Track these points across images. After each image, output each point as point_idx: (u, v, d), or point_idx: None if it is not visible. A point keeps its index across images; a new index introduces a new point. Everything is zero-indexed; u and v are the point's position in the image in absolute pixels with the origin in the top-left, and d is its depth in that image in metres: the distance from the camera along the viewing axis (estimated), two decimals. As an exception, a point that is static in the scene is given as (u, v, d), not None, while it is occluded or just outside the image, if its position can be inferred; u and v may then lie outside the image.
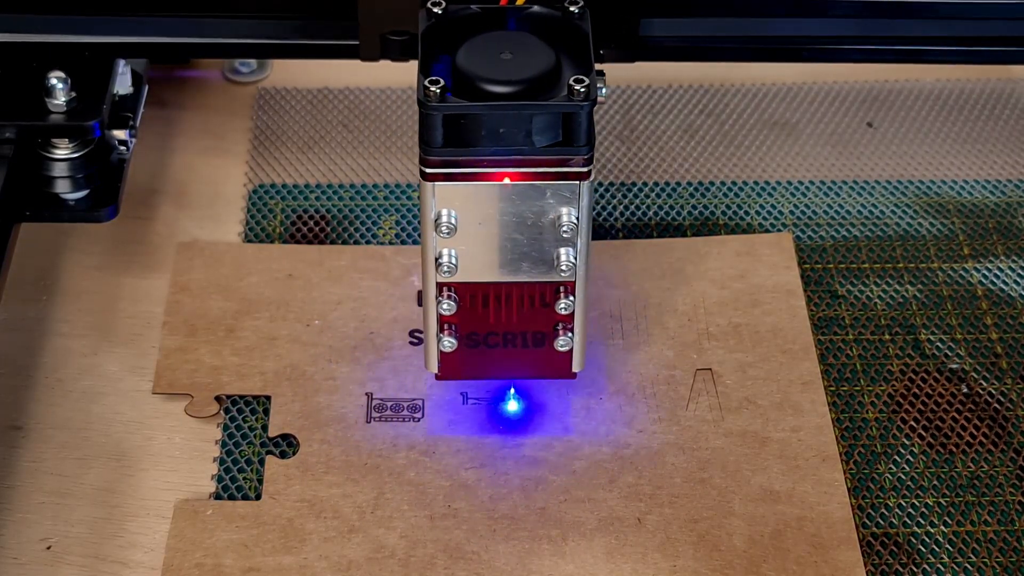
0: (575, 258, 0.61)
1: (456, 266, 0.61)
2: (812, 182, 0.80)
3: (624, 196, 0.78)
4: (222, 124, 0.82)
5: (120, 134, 0.72)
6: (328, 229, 0.76)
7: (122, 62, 0.73)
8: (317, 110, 0.83)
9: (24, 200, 0.70)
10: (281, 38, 0.74)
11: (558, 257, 0.61)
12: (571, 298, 0.62)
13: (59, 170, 0.71)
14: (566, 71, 0.59)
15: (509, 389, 0.67)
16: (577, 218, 0.60)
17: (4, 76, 0.71)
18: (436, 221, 0.60)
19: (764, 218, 0.77)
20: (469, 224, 0.60)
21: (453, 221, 0.60)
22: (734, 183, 0.79)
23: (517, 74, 0.58)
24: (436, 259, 0.61)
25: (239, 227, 0.76)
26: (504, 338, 0.63)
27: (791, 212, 0.78)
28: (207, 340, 0.70)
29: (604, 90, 0.60)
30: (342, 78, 0.85)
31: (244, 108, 0.83)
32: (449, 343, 0.63)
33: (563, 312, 0.62)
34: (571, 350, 0.64)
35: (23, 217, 0.70)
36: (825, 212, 0.78)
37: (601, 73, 0.60)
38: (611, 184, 0.79)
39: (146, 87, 0.75)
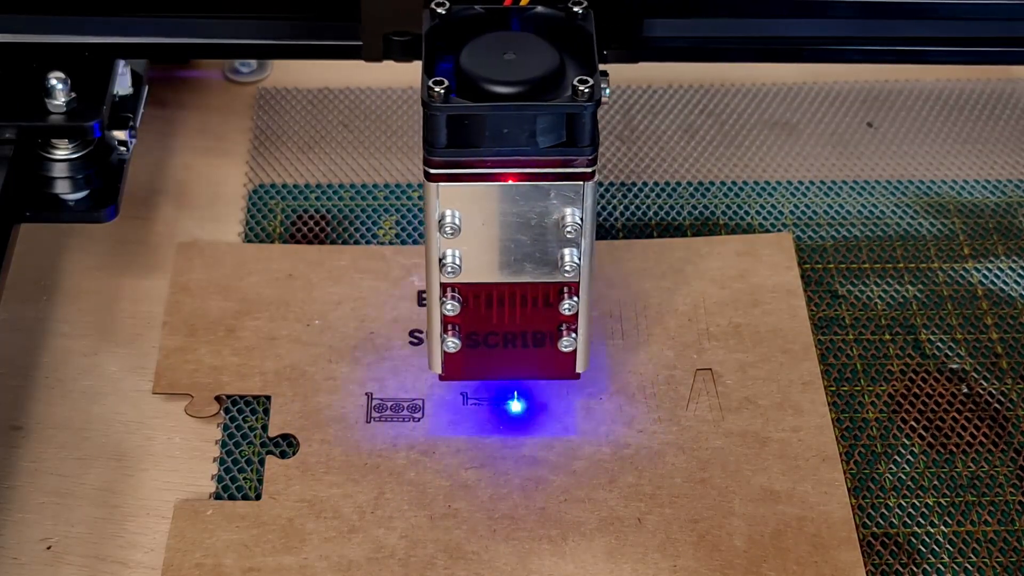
0: (579, 259, 0.61)
1: (460, 267, 0.61)
2: (812, 182, 0.80)
3: (624, 196, 0.78)
4: (222, 124, 0.82)
5: (120, 134, 0.72)
6: (328, 229, 0.76)
7: (122, 62, 0.73)
8: (317, 110, 0.83)
9: (24, 201, 0.70)
10: (282, 38, 0.74)
11: (562, 258, 0.61)
12: (575, 299, 0.62)
13: (59, 170, 0.71)
14: (570, 71, 0.59)
15: (513, 391, 0.67)
16: (581, 219, 0.60)
17: (4, 76, 0.71)
18: (440, 222, 0.60)
19: (764, 218, 0.77)
20: (473, 225, 0.60)
21: (457, 222, 0.60)
22: (734, 183, 0.79)
23: (521, 75, 0.58)
24: (440, 260, 0.61)
25: (239, 227, 0.76)
26: (508, 339, 0.63)
27: (791, 212, 0.78)
28: (207, 340, 0.70)
29: (608, 90, 0.60)
30: (342, 78, 0.85)
31: (244, 108, 0.83)
32: (453, 344, 0.63)
33: (567, 313, 0.62)
34: (575, 351, 0.64)
35: (23, 218, 0.70)
36: (825, 212, 0.78)
37: (605, 73, 0.60)
38: (611, 184, 0.79)
39: (146, 87, 0.75)
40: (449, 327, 0.63)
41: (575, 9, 0.62)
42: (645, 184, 0.79)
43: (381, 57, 0.73)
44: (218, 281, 0.73)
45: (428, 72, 0.59)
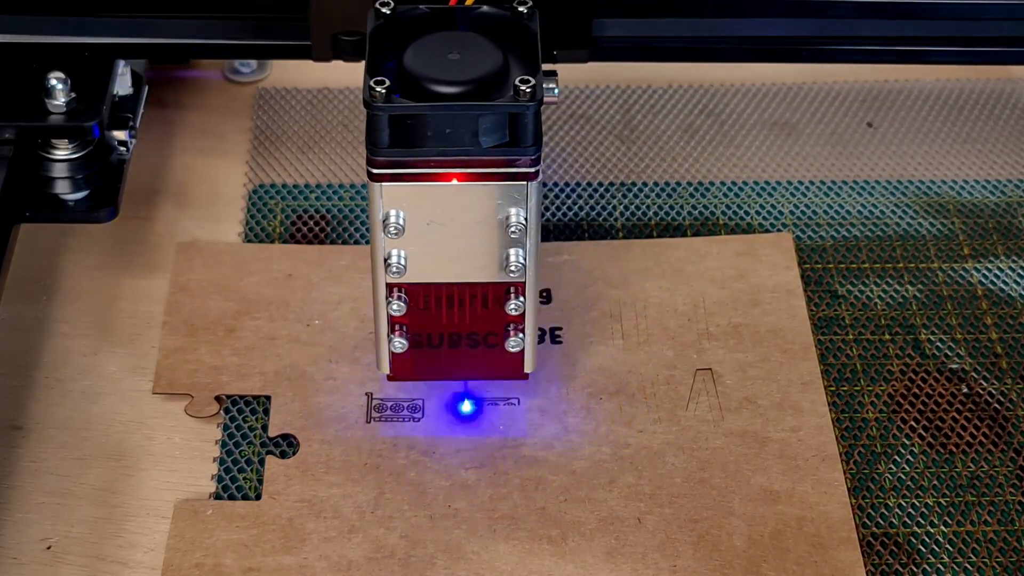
0: (524, 259, 0.61)
1: (405, 267, 0.61)
2: (812, 182, 0.80)
3: (624, 196, 0.78)
4: (222, 124, 0.82)
5: (120, 135, 0.72)
6: (328, 229, 0.76)
7: (122, 63, 0.73)
8: (317, 110, 0.83)
9: (24, 201, 0.70)
10: (276, 38, 0.73)
11: (507, 258, 0.61)
12: (521, 299, 0.62)
13: (59, 171, 0.71)
14: (513, 71, 0.59)
15: (463, 390, 0.67)
16: (525, 219, 0.60)
17: (4, 77, 0.71)
18: (384, 222, 0.60)
19: (764, 218, 0.77)
20: (417, 225, 0.60)
21: (401, 222, 0.60)
22: (734, 183, 0.79)
23: (463, 74, 0.58)
24: (385, 260, 0.61)
25: (239, 227, 0.76)
26: (455, 339, 0.63)
27: (791, 212, 0.78)
28: (207, 340, 0.70)
29: (556, 90, 0.60)
30: (342, 78, 0.85)
31: (244, 108, 0.83)
32: (400, 344, 0.63)
33: (513, 313, 0.62)
34: (523, 351, 0.64)
35: (23, 218, 0.70)
36: (825, 212, 0.78)
37: (552, 73, 0.60)
38: (611, 184, 0.79)
39: (146, 88, 0.75)
40: (396, 327, 0.63)
41: (520, 9, 0.61)
42: (645, 184, 0.79)
43: (331, 57, 0.72)
44: (218, 281, 0.73)
45: (371, 72, 0.59)
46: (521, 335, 0.63)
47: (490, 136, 0.58)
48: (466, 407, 0.67)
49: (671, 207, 0.78)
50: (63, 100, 0.69)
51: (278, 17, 0.73)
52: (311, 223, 0.77)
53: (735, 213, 0.78)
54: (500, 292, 0.62)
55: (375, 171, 0.59)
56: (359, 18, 0.70)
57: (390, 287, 0.62)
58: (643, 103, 0.84)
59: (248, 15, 0.73)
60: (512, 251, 0.61)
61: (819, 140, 0.82)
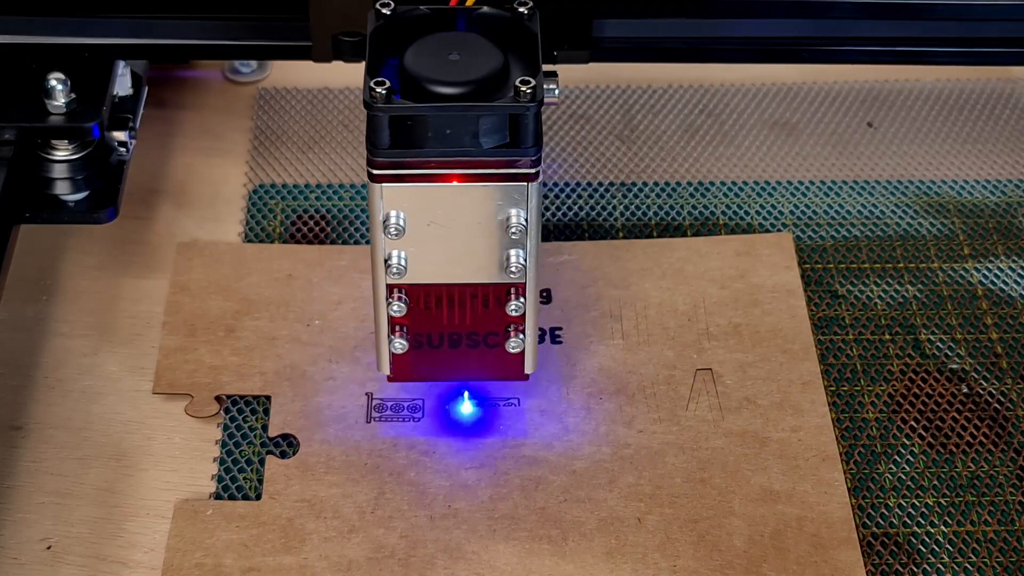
0: (525, 259, 0.61)
1: (405, 268, 0.61)
2: (812, 182, 0.80)
3: (624, 196, 0.78)
4: (222, 124, 0.82)
5: (120, 135, 0.72)
6: (328, 229, 0.76)
7: (122, 63, 0.73)
8: (317, 110, 0.83)
9: (24, 201, 0.70)
10: (276, 39, 0.74)
11: (508, 258, 0.61)
12: (521, 300, 0.62)
13: (59, 172, 0.71)
14: (514, 72, 0.59)
15: (463, 392, 0.67)
16: (526, 219, 0.60)
17: (4, 77, 0.71)
18: (384, 223, 0.60)
19: (764, 218, 0.77)
20: (418, 225, 0.60)
21: (401, 223, 0.60)
22: (734, 183, 0.79)
23: (464, 75, 0.58)
24: (385, 260, 0.61)
25: (239, 227, 0.76)
26: (455, 340, 0.63)
27: (791, 212, 0.78)
28: (207, 340, 0.70)
29: (556, 91, 0.60)
30: (342, 78, 0.85)
31: (244, 108, 0.83)
32: (400, 345, 0.63)
33: (514, 314, 0.62)
34: (523, 351, 0.64)
35: (23, 219, 0.70)
36: (825, 212, 0.78)
37: (553, 74, 0.59)
38: (611, 184, 0.79)
39: (146, 88, 0.75)
40: (396, 328, 0.63)
41: (521, 10, 0.61)
42: (645, 184, 0.79)
43: (331, 58, 0.72)
44: (218, 281, 0.73)
45: (372, 73, 0.59)
46: (521, 336, 0.63)
47: (490, 137, 0.58)
48: (467, 408, 0.67)
49: (671, 207, 0.78)
50: (63, 101, 0.69)
51: (278, 17, 0.73)
52: (311, 223, 0.77)
53: (735, 213, 0.78)
54: (500, 293, 0.62)
55: (375, 172, 0.59)
56: (359, 19, 0.70)
57: (390, 288, 0.62)
58: (643, 103, 0.84)
59: (248, 16, 0.73)
60: (512, 252, 0.61)
61: (819, 140, 0.82)
